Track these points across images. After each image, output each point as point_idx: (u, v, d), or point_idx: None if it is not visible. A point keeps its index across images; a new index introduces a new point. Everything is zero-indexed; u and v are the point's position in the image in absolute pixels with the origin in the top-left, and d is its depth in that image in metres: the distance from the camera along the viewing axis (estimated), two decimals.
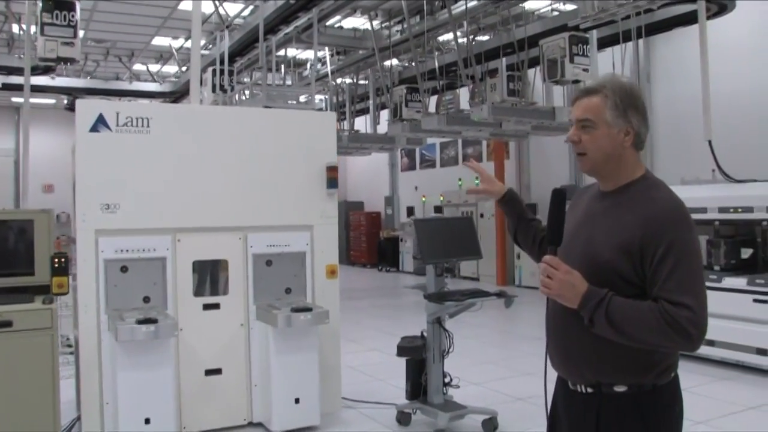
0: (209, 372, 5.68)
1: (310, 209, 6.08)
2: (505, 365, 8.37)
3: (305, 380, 5.69)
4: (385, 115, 16.35)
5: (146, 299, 5.44)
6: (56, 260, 5.19)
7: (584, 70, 11.08)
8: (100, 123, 5.32)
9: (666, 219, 2.27)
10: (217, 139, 5.78)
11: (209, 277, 5.76)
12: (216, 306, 5.74)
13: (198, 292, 5.70)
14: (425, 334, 5.98)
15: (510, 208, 2.99)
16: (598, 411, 2.35)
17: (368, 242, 23.04)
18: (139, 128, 5.44)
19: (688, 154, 12.71)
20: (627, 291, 2.25)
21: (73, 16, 8.91)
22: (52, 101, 21.65)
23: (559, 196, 2.37)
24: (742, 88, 12.11)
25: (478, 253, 5.98)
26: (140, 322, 4.88)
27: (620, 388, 2.32)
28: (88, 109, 5.39)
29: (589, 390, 2.37)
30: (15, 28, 14.30)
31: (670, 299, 2.17)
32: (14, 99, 21.77)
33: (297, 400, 5.66)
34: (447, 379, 6.01)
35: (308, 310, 5.57)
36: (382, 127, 16.32)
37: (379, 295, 16.41)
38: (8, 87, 15.38)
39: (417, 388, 5.98)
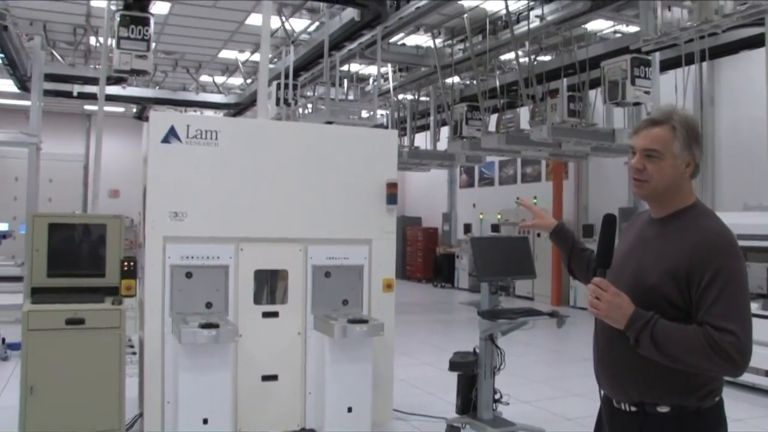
0: (266, 378, 5.86)
1: (369, 224, 6.24)
2: (555, 385, 8.40)
3: (358, 390, 5.83)
4: (445, 132, 16.47)
5: (208, 305, 5.66)
6: (125, 264, 5.47)
7: (645, 92, 11.09)
8: (171, 134, 5.57)
9: (713, 246, 2.36)
10: (281, 153, 5.99)
11: (269, 286, 5.95)
12: (275, 314, 5.93)
13: (258, 300, 5.89)
14: (477, 350, 6.08)
15: (561, 240, 3.13)
16: (641, 430, 2.44)
17: (424, 258, 23.11)
18: (207, 140, 5.68)
19: (751, 180, 12.55)
20: (672, 314, 2.35)
21: (147, 31, 9.26)
22: (121, 110, 22.34)
23: (610, 221, 2.49)
24: None
25: (533, 273, 6.06)
26: (203, 326, 5.09)
27: (663, 409, 2.40)
28: (160, 121, 5.65)
29: (633, 409, 2.47)
30: (92, 40, 14.88)
31: (714, 324, 2.26)
32: (86, 107, 22.52)
33: (350, 409, 5.79)
34: (497, 396, 6.09)
35: (364, 321, 5.72)
36: (442, 144, 16.45)
37: (433, 310, 16.52)
38: (83, 96, 15.99)
39: (467, 403, 6.08)
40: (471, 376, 6.07)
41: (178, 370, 5.29)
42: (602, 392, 2.69)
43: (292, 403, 5.97)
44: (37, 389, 5.01)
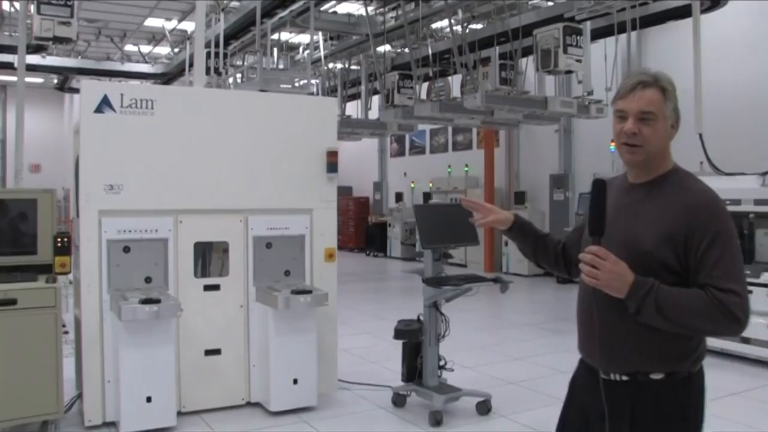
0: (209, 352, 5.76)
1: (310, 193, 6.16)
2: (495, 350, 8.49)
3: (303, 362, 5.78)
4: (376, 101, 16.38)
5: (148, 279, 5.50)
6: (59, 240, 5.25)
7: (577, 60, 11.17)
8: (104, 104, 5.36)
9: (709, 208, 2.36)
10: (220, 122, 5.83)
11: (210, 258, 5.83)
12: (216, 287, 5.81)
13: (198, 273, 5.76)
14: (422, 317, 6.08)
15: (522, 233, 2.98)
16: (633, 399, 2.42)
17: (356, 227, 23.13)
18: (143, 110, 5.49)
19: (676, 146, 12.77)
20: (668, 279, 2.32)
21: None
22: (39, 80, 21.52)
23: (600, 186, 2.38)
24: (732, 81, 12.26)
25: (476, 240, 6.07)
26: (143, 302, 4.95)
27: (657, 376, 2.39)
28: (93, 90, 5.43)
29: (624, 378, 2.44)
30: (6, 5, 14.19)
31: (718, 286, 2.26)
32: (1, 77, 21.61)
33: (295, 381, 5.75)
34: (442, 363, 6.11)
35: (308, 292, 5.66)
36: (374, 113, 16.35)
37: (368, 279, 16.53)
38: None
39: (413, 371, 6.08)
40: (416, 343, 6.07)
41: (119, 347, 5.15)
42: (581, 365, 2.66)
43: (237, 377, 5.88)
44: None
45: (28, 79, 19.91)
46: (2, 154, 22.30)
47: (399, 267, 18.78)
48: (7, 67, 14.64)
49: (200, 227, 5.75)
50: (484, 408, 5.87)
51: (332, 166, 6.19)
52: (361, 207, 23.64)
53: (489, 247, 16.91)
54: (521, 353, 8.26)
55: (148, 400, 5.15)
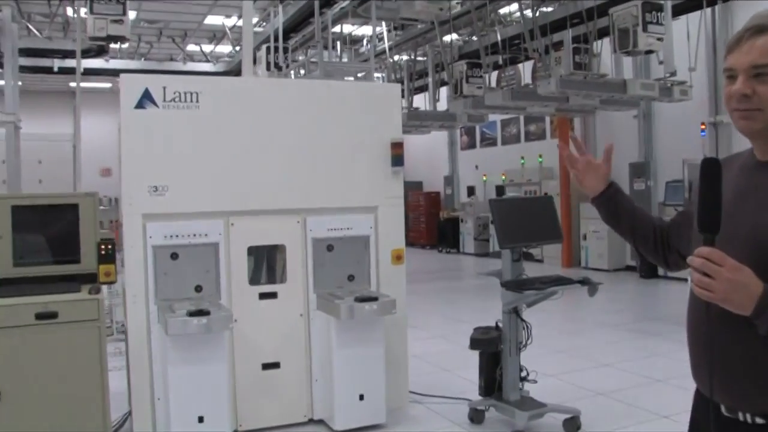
0: (267, 366, 5.28)
1: (373, 189, 5.62)
2: (581, 355, 7.81)
3: (370, 375, 5.25)
4: (444, 92, 15.79)
5: (198, 288, 5.05)
6: (103, 247, 4.83)
7: (658, 39, 10.41)
8: (145, 99, 4.93)
9: None
10: (272, 115, 5.34)
11: (266, 263, 5.36)
12: (273, 295, 5.32)
13: (254, 280, 5.29)
14: (500, 324, 5.48)
15: (621, 198, 2.38)
16: None
17: (427, 223, 22.57)
18: (187, 104, 5.03)
19: None
20: None
21: None
22: (108, 85, 21.57)
23: (713, 168, 1.77)
24: None
25: (560, 237, 5.46)
26: (192, 314, 4.49)
27: None
28: (132, 84, 5.00)
29: (759, 421, 1.82)
30: (69, 11, 14.12)
31: None
32: (72, 84, 21.77)
33: (361, 397, 5.23)
34: (523, 374, 5.51)
35: (373, 299, 5.12)
36: (442, 105, 15.79)
37: (440, 278, 15.93)
38: (64, 71, 15.24)
39: (491, 384, 5.49)
40: (494, 353, 5.47)
41: (167, 363, 4.70)
42: (699, 397, 2.07)
43: (298, 392, 5.38)
44: (7, 395, 4.39)
45: (95, 84, 20.13)
46: (73, 159, 22.46)
47: (472, 264, 18.16)
48: (73, 72, 14.58)
49: (254, 230, 5.26)
50: (572, 426, 5.23)
51: (397, 158, 5.63)
52: (432, 202, 23.07)
53: (567, 240, 16.08)
54: (609, 358, 7.55)
55: (200, 420, 4.68)
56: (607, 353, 7.83)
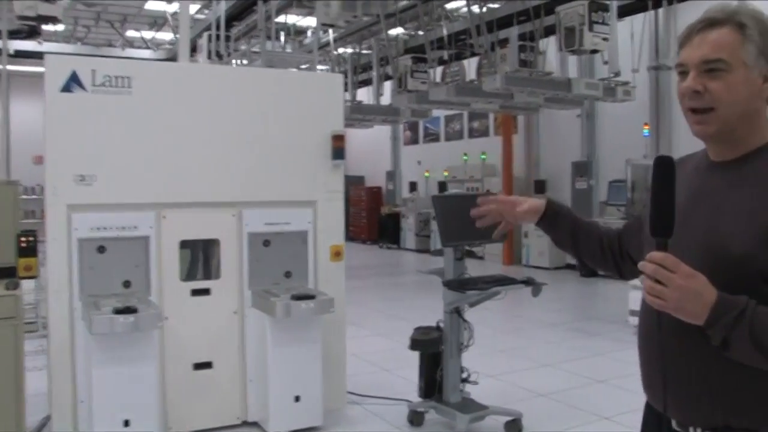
0: (198, 366, 5.04)
1: (313, 183, 5.42)
2: (522, 355, 7.74)
3: (307, 376, 5.06)
4: (388, 86, 15.65)
5: (127, 284, 4.78)
6: (23, 239, 4.53)
7: (604, 39, 10.42)
8: (72, 82, 4.63)
9: None
10: (209, 103, 5.09)
11: (199, 259, 5.12)
12: (206, 291, 5.08)
13: (186, 275, 5.04)
14: (441, 324, 5.34)
15: (559, 220, 2.27)
16: None
17: (368, 218, 22.44)
18: (119, 88, 4.75)
19: None
20: None
21: None
22: (42, 69, 20.87)
23: (667, 168, 1.65)
24: None
25: (504, 236, 5.31)
26: (118, 311, 4.23)
27: None
28: (58, 65, 4.69)
29: None
30: None
31: None
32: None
33: (297, 398, 5.02)
34: (464, 375, 5.38)
35: (311, 297, 4.92)
36: (386, 99, 15.64)
37: (380, 273, 15.78)
38: None
39: (432, 385, 5.35)
40: (435, 354, 5.33)
41: (91, 364, 4.42)
42: (648, 410, 1.96)
43: (231, 393, 5.16)
44: None
45: (29, 68, 19.39)
46: (6, 147, 21.67)
47: (413, 260, 18.06)
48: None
49: (187, 223, 5.01)
50: (514, 429, 5.12)
51: (338, 151, 5.44)
52: (373, 197, 22.93)
53: (509, 239, 16.10)
54: (550, 358, 7.49)
55: (126, 424, 4.42)
56: (548, 353, 7.76)
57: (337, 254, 5.54)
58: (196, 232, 5.07)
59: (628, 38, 12.03)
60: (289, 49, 15.62)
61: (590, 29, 10.22)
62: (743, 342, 1.57)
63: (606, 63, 11.45)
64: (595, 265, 2.30)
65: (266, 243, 5.26)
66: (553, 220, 2.26)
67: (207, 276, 5.13)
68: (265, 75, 5.71)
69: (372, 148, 23.37)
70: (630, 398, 6.11)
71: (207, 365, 5.08)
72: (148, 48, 17.42)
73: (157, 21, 16.79)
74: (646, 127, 13.05)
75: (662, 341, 1.70)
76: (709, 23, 1.72)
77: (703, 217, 1.76)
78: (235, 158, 5.16)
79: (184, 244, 5.02)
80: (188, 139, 5.01)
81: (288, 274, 5.34)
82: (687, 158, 1.96)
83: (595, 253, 2.25)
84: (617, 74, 11.40)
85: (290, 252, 5.36)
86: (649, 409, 1.96)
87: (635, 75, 11.90)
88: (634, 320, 8.35)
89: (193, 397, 5.01)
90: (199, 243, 5.11)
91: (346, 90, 16.11)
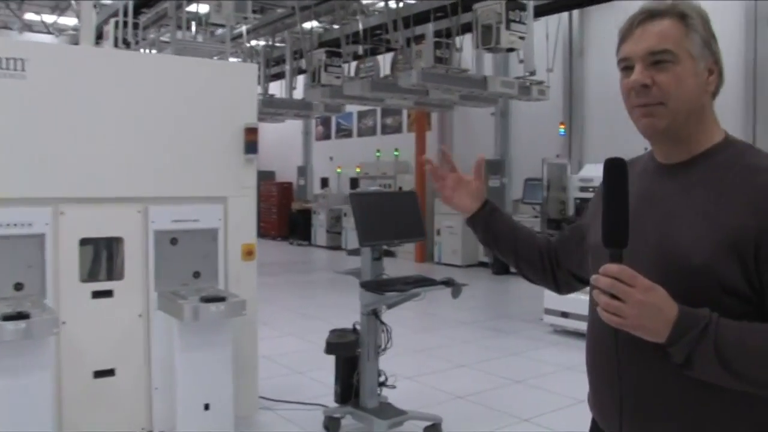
0: (99, 373, 4.68)
1: (224, 178, 5.13)
2: (438, 355, 7.62)
3: (217, 382, 4.76)
4: (301, 80, 15.37)
5: (18, 286, 4.39)
6: None
7: (520, 37, 10.45)
8: None
9: None
10: (113, 90, 4.73)
11: (101, 258, 4.76)
12: (108, 293, 4.72)
13: (86, 276, 4.68)
14: (358, 327, 5.15)
15: (497, 216, 2.13)
16: None
17: (279, 214, 22.15)
18: (11, 71, 4.34)
19: (619, 132, 12.19)
20: (732, 308, 1.48)
21: None
22: None
23: (619, 170, 1.52)
24: None
25: (422, 234, 5.18)
26: (7, 317, 3.84)
27: None
28: None
29: None
30: None
31: None
32: None
33: (207, 406, 4.71)
34: (382, 379, 5.20)
35: (221, 299, 4.63)
36: (299, 93, 15.36)
37: (291, 271, 15.49)
38: None
39: (348, 390, 5.15)
40: (351, 358, 5.13)
41: None
42: (594, 428, 1.81)
43: (135, 402, 4.82)
44: None
45: None
46: None
47: (325, 257, 17.83)
48: None
49: (87, 220, 4.65)
50: None
51: (251, 145, 5.16)
52: (284, 193, 22.63)
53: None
54: (467, 359, 7.39)
55: None
56: (465, 353, 7.68)
57: (248, 253, 5.27)
58: (98, 229, 4.71)
59: (543, 38, 12.11)
60: (200, 40, 15.16)
61: (507, 27, 10.22)
62: (708, 359, 1.45)
63: (522, 62, 11.49)
64: (533, 276, 2.14)
65: (174, 241, 4.95)
66: (489, 217, 2.11)
67: (109, 277, 4.77)
68: (175, 62, 5.39)
69: (283, 143, 23.05)
70: (548, 399, 6.09)
71: (109, 372, 4.73)
72: (50, 33, 16.61)
73: (60, 5, 16.01)
74: (562, 126, 13.18)
75: (619, 362, 1.58)
76: (650, 15, 1.62)
77: (654, 224, 1.63)
78: (141, 150, 4.82)
79: (85, 243, 4.66)
80: (89, 128, 4.64)
81: (197, 275, 5.04)
82: (631, 162, 1.80)
83: (534, 263, 2.10)
84: (533, 73, 11.45)
85: (199, 251, 5.05)
86: (595, 427, 1.81)
87: (549, 75, 11.98)
88: (549, 318, 8.40)
89: (93, 407, 4.65)
90: (101, 241, 4.75)
91: (258, 83, 15.77)
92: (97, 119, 4.67)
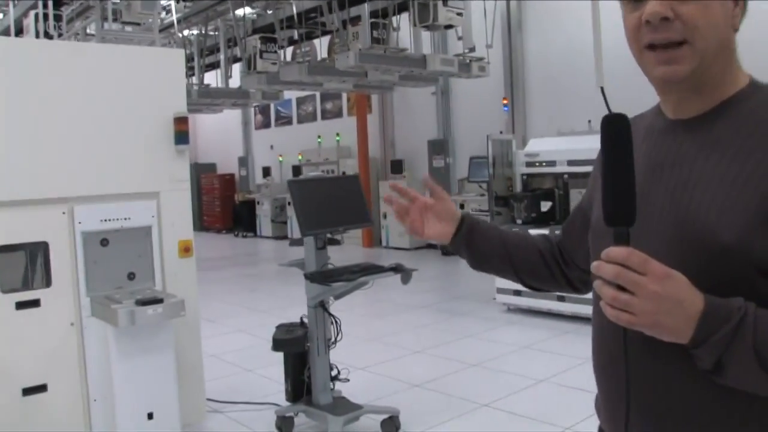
0: (29, 390, 4.33)
1: (154, 172, 4.81)
2: (392, 342, 7.41)
3: (160, 389, 4.47)
4: (237, 69, 14.97)
5: None
6: None
7: (458, 14, 10.30)
8: None
9: None
10: (28, 82, 4.37)
11: (24, 266, 4.42)
12: (35, 303, 4.37)
13: (7, 286, 4.34)
14: (306, 320, 4.91)
15: (478, 240, 1.80)
16: None
17: (222, 206, 21.74)
18: None
19: (560, 106, 12.16)
20: None
21: None
22: None
23: (622, 129, 1.20)
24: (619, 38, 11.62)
25: (368, 220, 4.95)
26: None
27: None
28: None
29: None
30: None
31: None
32: None
33: (150, 415, 4.43)
34: (334, 372, 4.98)
35: (158, 301, 4.34)
36: (235, 82, 14.97)
37: (237, 264, 15.12)
38: None
39: (299, 387, 4.92)
40: (301, 353, 4.90)
41: None
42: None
43: (72, 417, 4.50)
44: None
45: None
46: None
47: (271, 248, 17.51)
48: None
49: (7, 224, 4.29)
50: (391, 426, 4.77)
51: (182, 136, 4.86)
52: (226, 184, 22.20)
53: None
54: (420, 344, 7.21)
55: None
56: (418, 338, 7.49)
57: (186, 250, 4.97)
58: (19, 234, 4.35)
59: (481, 15, 11.95)
60: (129, 30, 14.65)
61: (444, 4, 10.08)
62: (744, 363, 1.15)
63: (460, 39, 11.32)
64: (542, 284, 1.83)
65: (104, 242, 4.63)
66: (471, 236, 1.80)
67: (35, 285, 4.44)
68: (95, 50, 5.03)
69: (222, 134, 22.63)
70: (506, 380, 5.94)
71: (40, 388, 4.39)
72: None
73: None
74: (506, 101, 13.06)
75: (629, 367, 1.28)
76: None
77: (668, 195, 1.33)
78: (63, 146, 4.48)
79: (4, 250, 4.31)
80: (6, 123, 4.30)
81: (131, 276, 4.73)
82: (633, 120, 1.35)
83: (537, 266, 1.79)
84: (472, 50, 11.29)
85: (132, 251, 4.74)
86: None
87: (489, 51, 11.82)
88: (502, 298, 8.26)
89: (24, 426, 4.31)
90: (22, 247, 4.41)
91: (192, 74, 15.34)
92: (12, 114, 4.31)
